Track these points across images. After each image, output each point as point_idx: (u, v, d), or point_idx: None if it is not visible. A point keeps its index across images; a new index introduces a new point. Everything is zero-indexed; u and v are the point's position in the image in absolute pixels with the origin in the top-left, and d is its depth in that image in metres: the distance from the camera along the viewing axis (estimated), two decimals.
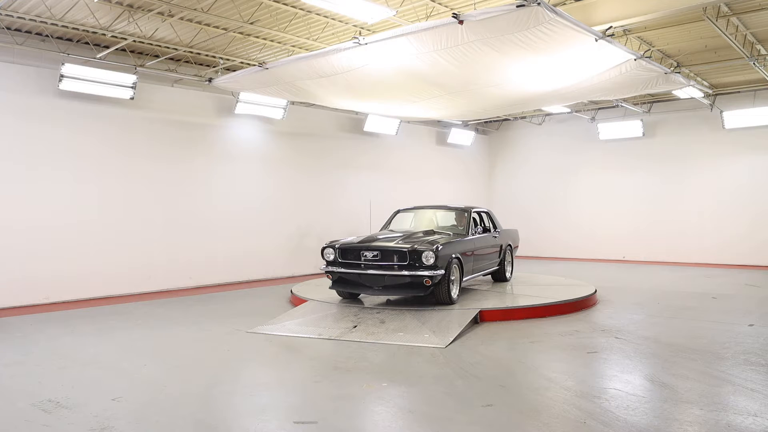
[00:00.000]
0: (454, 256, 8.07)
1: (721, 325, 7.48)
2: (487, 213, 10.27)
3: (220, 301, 9.80)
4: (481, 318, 7.66)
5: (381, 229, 9.79)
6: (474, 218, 9.52)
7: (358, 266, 8.07)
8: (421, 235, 8.62)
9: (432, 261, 7.61)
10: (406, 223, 10.02)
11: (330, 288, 8.54)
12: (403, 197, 14.85)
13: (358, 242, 8.30)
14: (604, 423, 4.11)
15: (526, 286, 9.89)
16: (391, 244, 8.06)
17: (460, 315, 7.50)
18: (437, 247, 7.70)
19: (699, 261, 14.93)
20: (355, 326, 7.22)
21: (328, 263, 8.35)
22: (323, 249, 8.40)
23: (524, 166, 18.39)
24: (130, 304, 9.49)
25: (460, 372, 5.46)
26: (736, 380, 5.09)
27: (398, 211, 10.27)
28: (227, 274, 11.82)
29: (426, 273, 7.62)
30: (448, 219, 9.77)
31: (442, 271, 7.70)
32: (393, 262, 7.85)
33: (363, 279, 8.07)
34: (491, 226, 10.15)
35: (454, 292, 8.13)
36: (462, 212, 9.58)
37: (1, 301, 8.88)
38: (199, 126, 11.55)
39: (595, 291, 9.26)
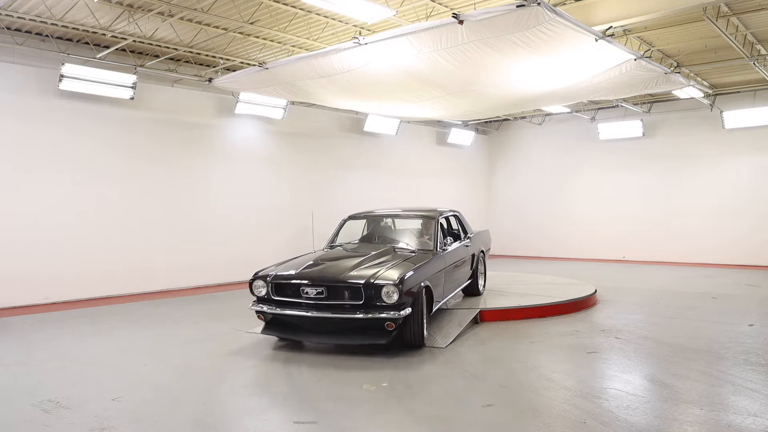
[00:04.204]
0: (423, 284, 6.19)
1: (721, 325, 7.48)
2: (455, 216, 8.63)
3: (220, 302, 9.80)
4: (481, 318, 7.66)
5: (326, 245, 7.89)
6: (442, 225, 7.85)
7: (298, 305, 6.14)
8: (378, 256, 6.72)
9: (395, 298, 5.75)
10: (358, 235, 8.13)
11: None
12: (402, 197, 14.88)
13: (297, 273, 6.29)
14: (604, 423, 4.11)
15: (526, 287, 9.86)
16: (340, 275, 6.09)
17: (460, 315, 7.50)
18: (401, 279, 5.85)
19: (699, 261, 14.92)
20: None
21: (259, 299, 6.41)
22: (251, 281, 6.45)
23: (524, 166, 18.38)
24: (130, 304, 9.50)
25: (460, 372, 5.46)
26: (736, 380, 5.09)
27: (348, 218, 8.27)
28: (227, 274, 11.81)
29: (388, 315, 5.78)
30: (411, 228, 7.92)
31: (409, 310, 5.88)
32: (343, 300, 5.98)
33: (304, 322, 6.15)
34: (461, 231, 8.54)
35: (426, 329, 6.33)
36: (428, 220, 7.66)
37: (1, 301, 8.88)
38: (199, 126, 11.55)
39: (595, 291, 9.26)
